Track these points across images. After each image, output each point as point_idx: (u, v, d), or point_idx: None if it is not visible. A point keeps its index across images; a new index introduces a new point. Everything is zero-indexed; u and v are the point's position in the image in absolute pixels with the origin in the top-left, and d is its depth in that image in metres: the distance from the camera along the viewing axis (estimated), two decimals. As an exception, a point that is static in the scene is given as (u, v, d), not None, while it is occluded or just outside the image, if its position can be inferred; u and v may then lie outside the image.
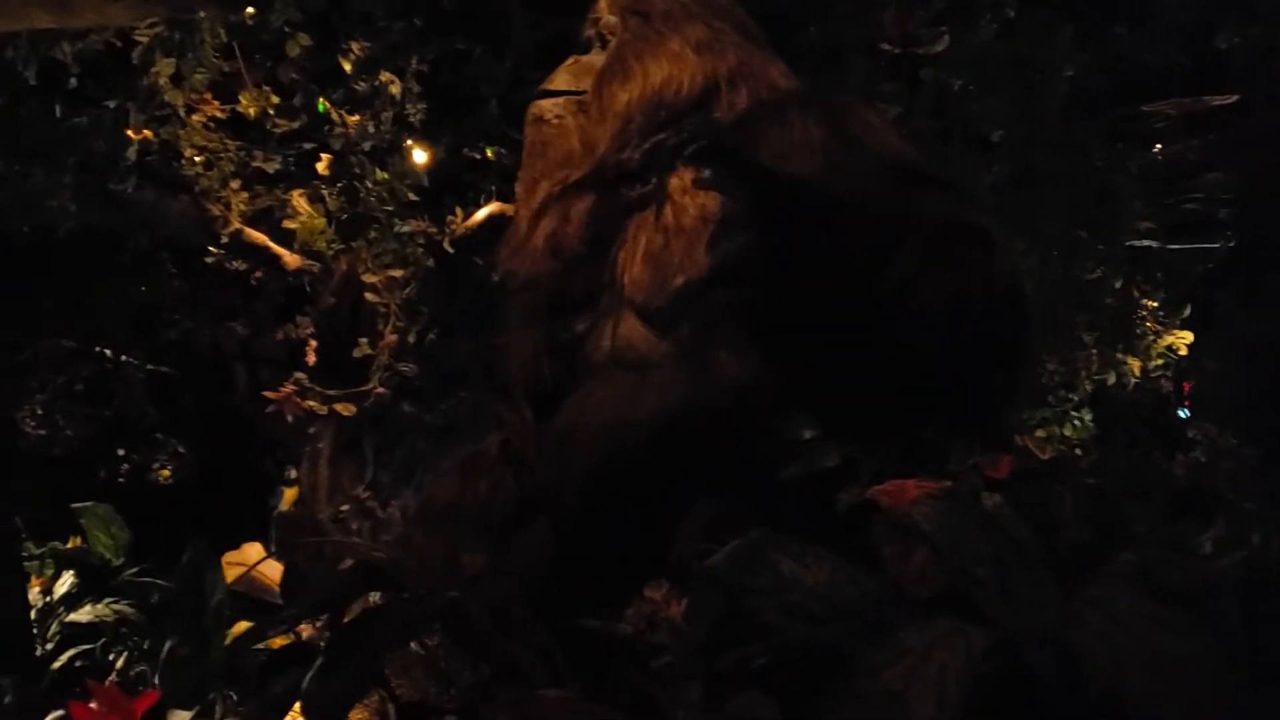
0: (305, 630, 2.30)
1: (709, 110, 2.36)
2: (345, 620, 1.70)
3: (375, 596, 2.09)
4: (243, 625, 1.72)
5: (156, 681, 2.77)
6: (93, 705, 1.86)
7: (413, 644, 1.66)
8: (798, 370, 2.19)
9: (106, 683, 2.53)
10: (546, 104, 2.54)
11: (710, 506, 2.21)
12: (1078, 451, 3.71)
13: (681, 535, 2.19)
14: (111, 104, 4.46)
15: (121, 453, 5.41)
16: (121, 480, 5.41)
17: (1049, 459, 2.18)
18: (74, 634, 2.81)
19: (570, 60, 2.60)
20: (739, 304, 2.32)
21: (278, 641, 1.94)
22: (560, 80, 2.56)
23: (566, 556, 2.41)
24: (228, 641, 1.94)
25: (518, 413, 2.59)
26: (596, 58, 2.53)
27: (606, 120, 2.39)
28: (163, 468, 5.48)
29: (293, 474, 5.72)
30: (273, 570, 2.60)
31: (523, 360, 2.61)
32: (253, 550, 3.21)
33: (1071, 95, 3.39)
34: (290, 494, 5.45)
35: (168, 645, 1.59)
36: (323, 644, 1.64)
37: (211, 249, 4.84)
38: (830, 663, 1.67)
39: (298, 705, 1.67)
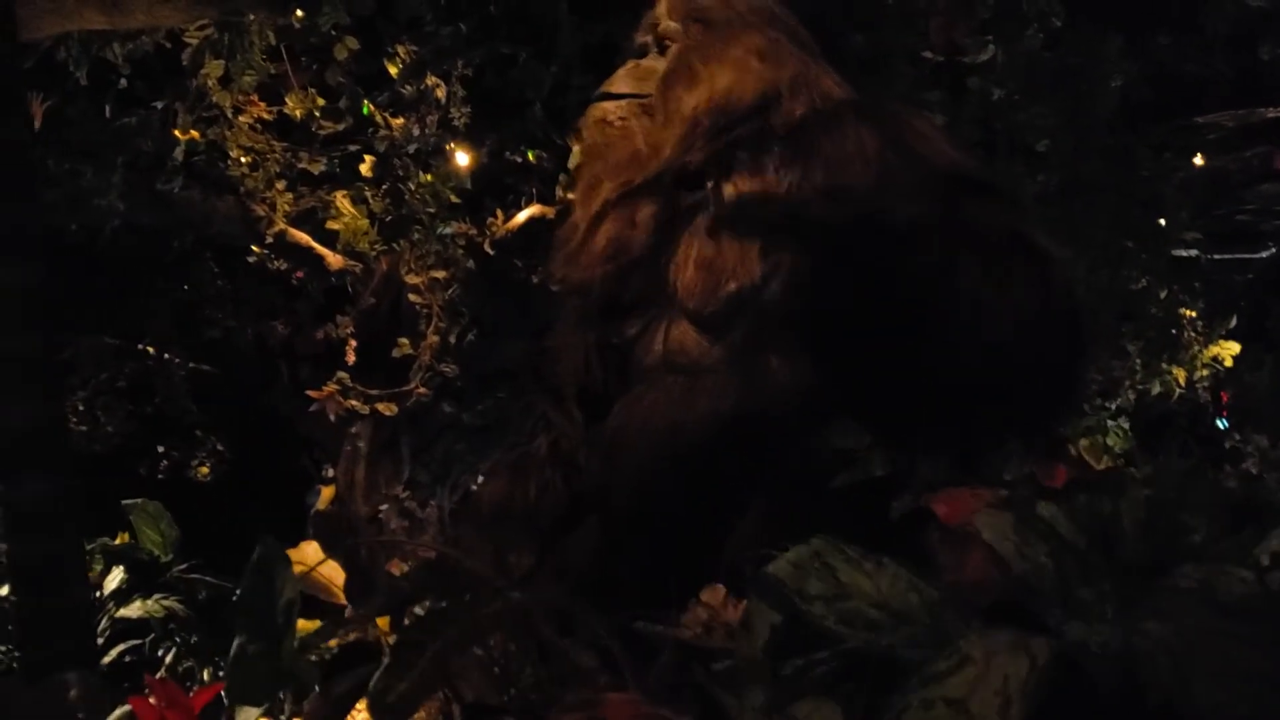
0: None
1: (768, 118, 2.37)
2: (409, 620, 1.72)
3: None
4: (303, 624, 1.74)
5: (205, 677, 2.81)
6: (151, 700, 1.89)
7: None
8: (849, 377, 2.20)
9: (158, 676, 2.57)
10: (609, 106, 2.54)
11: (762, 511, 2.22)
12: (1120, 461, 3.69)
13: (733, 539, 2.20)
14: (160, 104, 4.53)
15: (161, 450, 5.47)
16: (161, 477, 5.47)
17: (1103, 469, 2.18)
18: (124, 629, 2.86)
19: (630, 64, 2.61)
20: (790, 311, 2.33)
21: (332, 641, 1.97)
22: (621, 83, 2.57)
23: (616, 559, 2.42)
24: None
25: (567, 415, 2.60)
26: (657, 63, 2.54)
27: (673, 124, 2.39)
28: (202, 465, 5.54)
29: (330, 472, 5.77)
30: (329, 570, 2.62)
31: (573, 363, 2.63)
32: (310, 549, 3.24)
33: (1118, 105, 3.38)
34: (328, 492, 5.50)
35: (236, 642, 1.61)
36: (388, 643, 1.66)
37: (255, 249, 4.90)
38: (891, 670, 1.67)
39: (360, 703, 1.69)
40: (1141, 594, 1.81)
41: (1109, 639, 1.70)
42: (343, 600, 2.76)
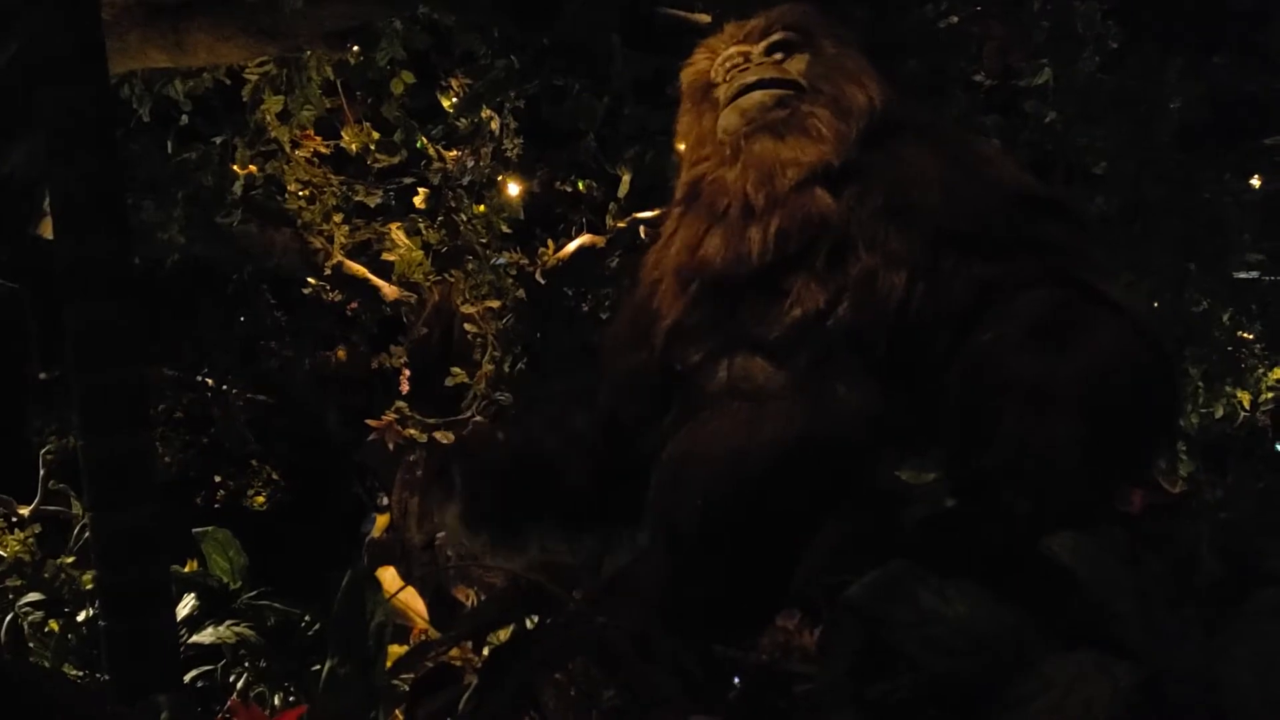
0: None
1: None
2: (491, 644, 1.75)
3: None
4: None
5: (276, 702, 2.85)
6: (234, 723, 1.92)
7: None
8: (921, 404, 2.20)
9: (230, 701, 2.61)
10: (764, 95, 2.50)
11: (833, 536, 2.22)
12: (1185, 485, 3.65)
13: (804, 565, 2.20)
14: (219, 140, 4.63)
15: (219, 479, 5.55)
16: (218, 506, 5.56)
17: (1179, 492, 2.16)
18: (196, 655, 2.90)
19: (771, 59, 2.56)
20: (858, 335, 2.33)
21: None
22: (761, 73, 2.51)
23: (684, 584, 2.43)
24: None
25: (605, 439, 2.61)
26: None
27: (850, 120, 2.39)
28: (258, 494, 5.62)
29: (384, 500, 5.84)
30: (406, 596, 2.66)
31: (625, 389, 2.63)
32: (387, 575, 3.28)
33: (1178, 127, 3.36)
34: (382, 520, 5.56)
35: (328, 665, 1.65)
36: (472, 666, 1.69)
37: (311, 280, 4.99)
38: (973, 696, 1.68)
39: (444, 727, 1.71)
40: (1222, 618, 1.80)
41: (1192, 663, 1.69)
42: (420, 625, 2.79)
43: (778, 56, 2.52)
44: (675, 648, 1.80)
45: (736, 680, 1.88)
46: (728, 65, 2.59)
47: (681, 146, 2.78)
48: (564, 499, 2.56)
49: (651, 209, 4.64)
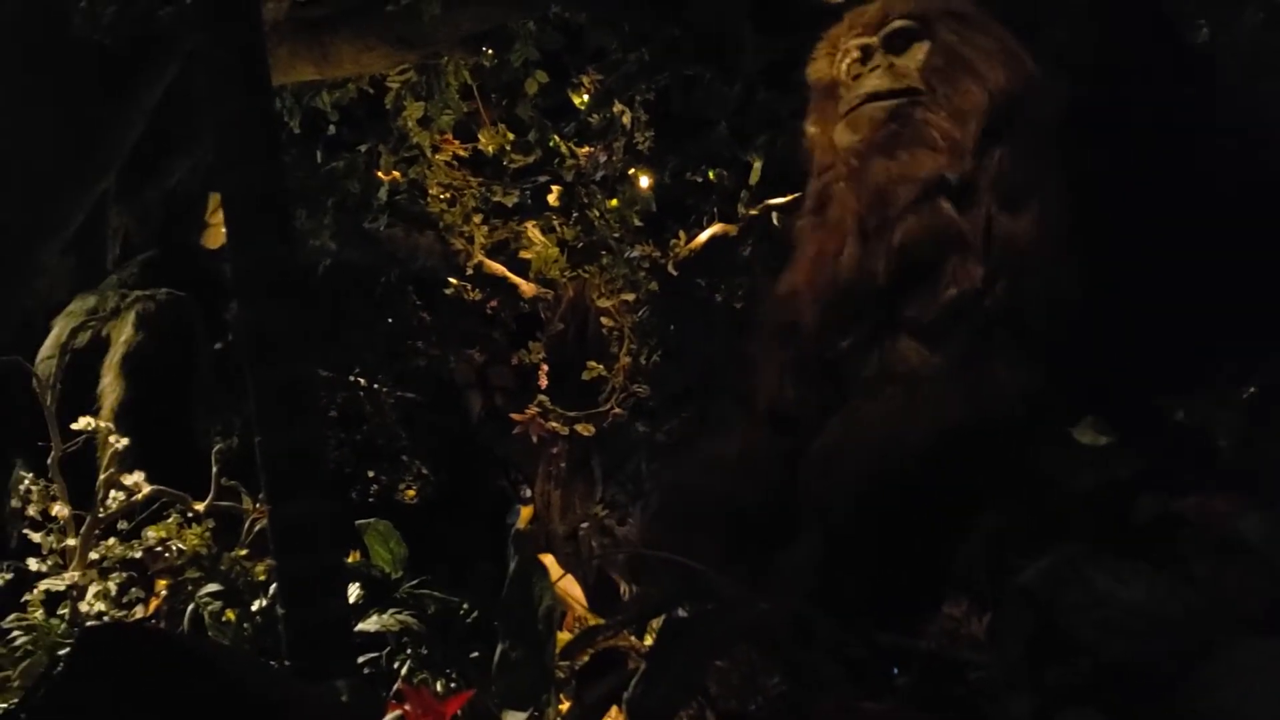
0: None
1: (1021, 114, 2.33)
2: (653, 630, 1.77)
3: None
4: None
5: (438, 688, 2.94)
6: (406, 707, 1.99)
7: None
8: (1089, 376, 2.13)
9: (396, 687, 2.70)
10: (878, 106, 2.46)
11: (995, 520, 2.18)
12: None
13: (967, 550, 2.16)
14: (364, 148, 4.79)
15: (371, 474, 5.74)
16: (371, 500, 5.74)
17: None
18: (361, 643, 3.00)
19: (878, 63, 2.51)
20: (1017, 312, 2.28)
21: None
22: (877, 81, 2.48)
23: (839, 572, 2.41)
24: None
25: (763, 431, 2.61)
26: (908, 59, 2.45)
27: (967, 120, 2.34)
28: (408, 488, 5.79)
29: (527, 493, 5.96)
30: (565, 584, 2.72)
31: (768, 378, 2.63)
32: (546, 562, 3.34)
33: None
34: (526, 512, 5.68)
35: (500, 648, 1.70)
36: (635, 652, 1.72)
37: (453, 280, 5.12)
38: (1153, 680, 1.63)
39: (612, 710, 1.74)
40: None
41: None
42: (579, 612, 2.85)
43: (892, 59, 2.48)
44: (838, 634, 1.79)
45: (896, 669, 1.87)
46: (848, 62, 2.56)
47: (810, 146, 2.77)
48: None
49: (784, 195, 4.60)
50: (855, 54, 2.55)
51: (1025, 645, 1.65)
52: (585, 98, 4.66)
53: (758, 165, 4.67)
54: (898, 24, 2.47)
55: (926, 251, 2.32)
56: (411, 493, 5.74)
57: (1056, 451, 2.13)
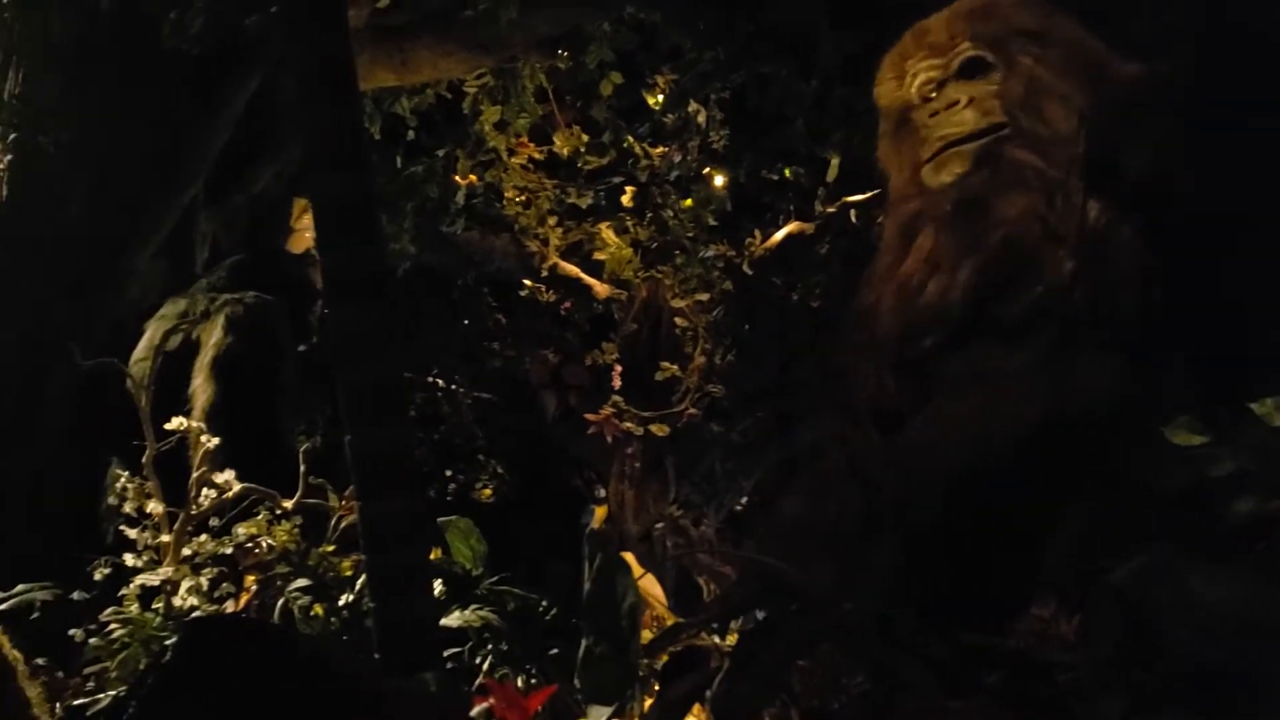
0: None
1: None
2: (736, 630, 1.78)
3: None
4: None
5: (519, 684, 2.97)
6: (492, 701, 2.03)
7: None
8: (1179, 375, 2.10)
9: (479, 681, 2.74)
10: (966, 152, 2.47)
11: (1083, 519, 2.15)
12: None
13: (1054, 550, 2.14)
14: (441, 152, 4.87)
15: (449, 473, 5.82)
16: (449, 499, 5.82)
17: None
18: (444, 638, 3.05)
19: (965, 90, 2.49)
20: (1103, 309, 2.25)
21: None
22: (968, 119, 2.46)
23: (922, 572, 2.40)
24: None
25: (863, 433, 2.60)
26: (987, 84, 2.43)
27: (1057, 146, 2.33)
28: (485, 487, 5.86)
29: (601, 493, 5.99)
30: (645, 583, 2.73)
31: (866, 381, 2.62)
32: (627, 560, 3.37)
33: None
34: (601, 512, 5.71)
35: (584, 644, 1.72)
36: (719, 651, 1.73)
37: (527, 282, 5.18)
38: (1251, 684, 1.59)
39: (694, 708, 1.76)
40: None
41: None
42: (659, 610, 2.87)
43: (970, 92, 2.45)
44: (922, 634, 1.79)
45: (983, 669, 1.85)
46: (918, 84, 2.54)
47: (884, 166, 2.76)
48: None
49: (862, 192, 4.57)
50: (925, 77, 2.53)
51: (1116, 646, 1.62)
52: (660, 98, 4.67)
53: (835, 162, 4.64)
54: (969, 52, 2.44)
55: (1010, 268, 2.31)
56: (488, 492, 5.81)
57: (1147, 451, 2.10)
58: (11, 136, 4.01)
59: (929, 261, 2.43)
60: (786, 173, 5.12)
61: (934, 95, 2.51)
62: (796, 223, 5.18)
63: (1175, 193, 2.15)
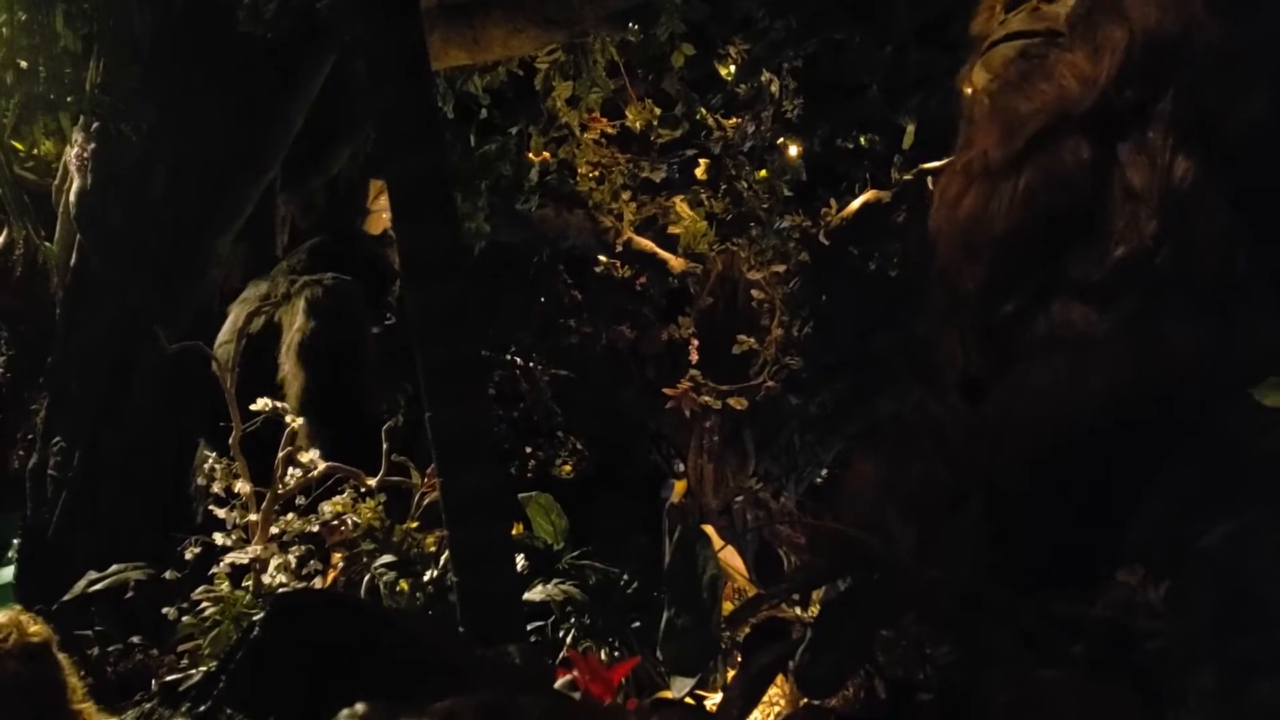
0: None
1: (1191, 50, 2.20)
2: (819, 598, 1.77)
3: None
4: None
5: (601, 656, 2.99)
6: (576, 673, 2.04)
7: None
8: (1267, 335, 2.01)
9: (563, 654, 2.77)
10: (1011, 47, 2.42)
11: (1172, 485, 2.08)
12: None
13: (1144, 517, 2.08)
14: (514, 130, 4.88)
15: (529, 450, 5.88)
16: (529, 475, 5.88)
17: None
18: (527, 612, 3.09)
19: (1027, 9, 2.46)
20: (1191, 269, 2.17)
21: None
22: (1018, 25, 2.44)
23: (1006, 542, 2.35)
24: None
25: (947, 402, 2.56)
26: (1058, 7, 2.39)
27: (1103, 57, 2.25)
28: (564, 463, 5.91)
29: (680, 467, 6.01)
30: (725, 554, 2.73)
31: (950, 349, 2.57)
32: (708, 532, 3.37)
33: None
34: (680, 486, 5.73)
35: (665, 616, 1.73)
36: (801, 621, 1.71)
37: (602, 258, 5.19)
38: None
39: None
40: None
41: None
42: (740, 582, 2.87)
43: (1040, 4, 2.40)
44: (1009, 603, 1.75)
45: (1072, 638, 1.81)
46: (1000, 17, 2.49)
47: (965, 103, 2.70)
48: None
49: (939, 159, 4.49)
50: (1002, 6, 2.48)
51: (1209, 614, 1.57)
52: (732, 68, 4.63)
53: (911, 128, 4.56)
54: None
55: (1054, 196, 2.23)
56: (568, 468, 5.85)
57: (1237, 413, 2.03)
58: (94, 125, 4.13)
59: (969, 170, 2.37)
60: (862, 140, 5.06)
61: (1007, 16, 2.46)
62: (873, 191, 5.12)
63: (1270, 152, 2.06)
